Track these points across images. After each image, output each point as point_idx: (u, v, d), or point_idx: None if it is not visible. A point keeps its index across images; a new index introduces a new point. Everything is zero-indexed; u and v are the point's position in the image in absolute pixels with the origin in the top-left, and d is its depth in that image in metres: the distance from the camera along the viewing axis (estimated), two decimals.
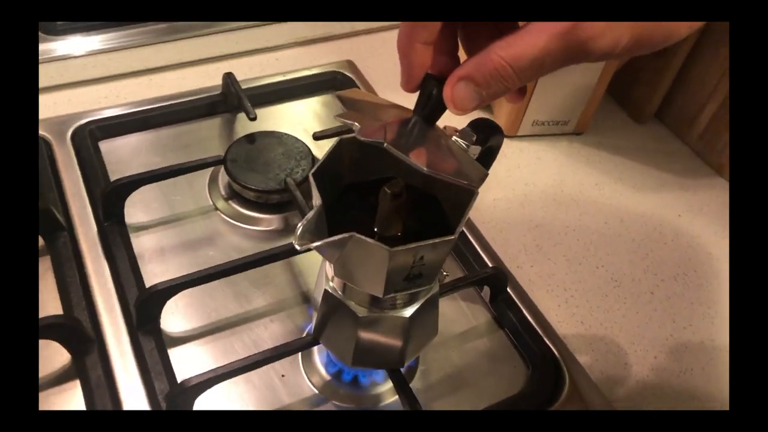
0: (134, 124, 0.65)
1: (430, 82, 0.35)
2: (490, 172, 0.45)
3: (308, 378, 0.50)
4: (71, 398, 0.46)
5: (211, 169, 0.62)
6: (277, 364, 0.49)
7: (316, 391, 0.49)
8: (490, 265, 0.56)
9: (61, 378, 0.47)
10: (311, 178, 0.38)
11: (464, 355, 0.53)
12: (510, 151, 0.71)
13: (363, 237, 0.35)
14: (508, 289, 0.56)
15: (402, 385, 0.46)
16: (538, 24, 0.30)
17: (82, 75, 0.69)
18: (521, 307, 0.55)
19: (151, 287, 0.48)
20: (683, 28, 0.30)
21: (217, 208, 0.60)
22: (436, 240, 0.36)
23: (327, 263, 0.43)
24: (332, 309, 0.44)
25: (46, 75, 0.68)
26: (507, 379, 0.52)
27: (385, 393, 0.50)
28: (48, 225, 0.54)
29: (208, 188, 0.61)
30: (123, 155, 0.63)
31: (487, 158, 0.46)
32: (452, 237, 0.36)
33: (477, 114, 0.38)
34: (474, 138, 0.41)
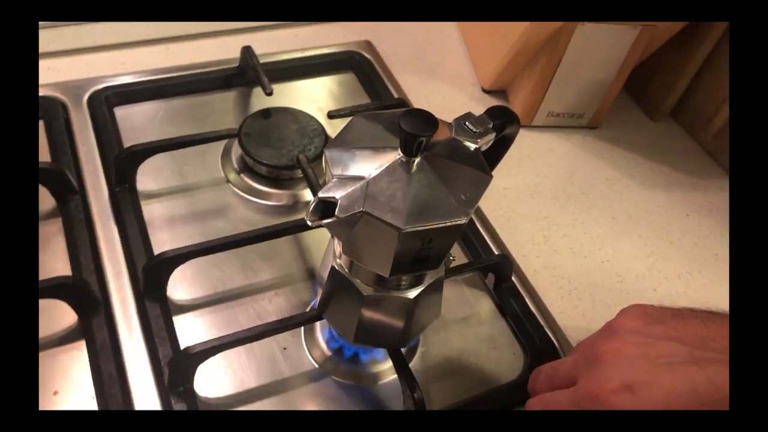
0: (150, 92, 0.65)
1: (407, 138, 0.36)
2: (502, 160, 0.46)
3: (309, 352, 0.50)
4: (77, 358, 0.47)
5: (225, 141, 0.62)
6: (280, 337, 0.50)
7: (317, 366, 0.49)
8: (497, 252, 0.56)
9: (67, 338, 0.48)
10: (325, 154, 0.38)
11: (465, 339, 0.53)
12: (523, 141, 0.71)
13: (374, 216, 0.35)
14: (513, 278, 0.56)
15: (402, 365, 0.46)
16: None
17: (101, 40, 0.69)
18: (524, 297, 0.55)
19: (160, 254, 0.49)
20: None
21: (228, 181, 0.60)
22: (447, 223, 0.36)
23: (336, 240, 0.43)
24: (338, 286, 0.44)
25: (63, 38, 0.68)
26: (505, 366, 0.52)
27: (385, 372, 0.50)
28: (61, 187, 0.54)
29: (221, 160, 0.62)
30: (138, 122, 0.63)
31: (502, 147, 0.46)
32: (462, 221, 0.37)
33: (496, 102, 0.38)
34: (490, 125, 0.41)
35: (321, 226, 0.36)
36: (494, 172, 0.39)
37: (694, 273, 0.62)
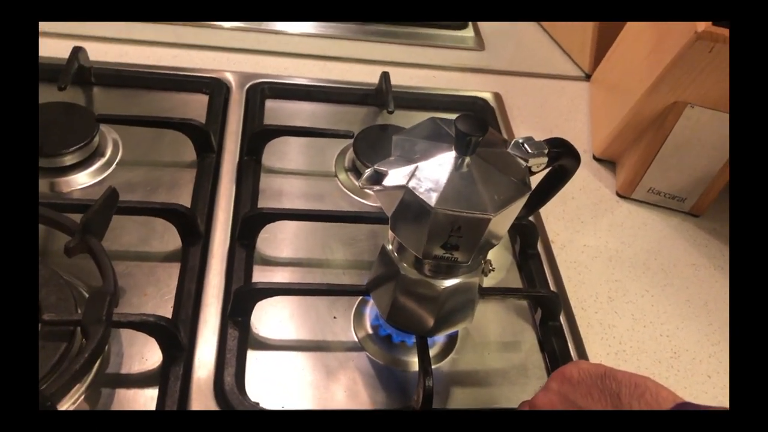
0: (298, 93, 0.77)
1: (460, 136, 0.42)
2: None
3: (354, 326, 0.56)
4: (170, 274, 0.57)
5: (343, 145, 0.71)
6: (334, 307, 0.57)
7: (355, 339, 0.55)
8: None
9: (168, 257, 0.58)
10: (393, 138, 0.45)
11: (498, 360, 0.56)
12: (619, 210, 0.73)
13: (413, 191, 0.42)
14: (561, 320, 0.58)
15: (423, 351, 0.51)
16: None
17: (276, 47, 0.83)
18: (567, 339, 0.57)
19: (259, 208, 0.59)
20: None
21: (336, 176, 0.69)
22: (474, 214, 0.41)
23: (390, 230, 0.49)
24: (384, 265, 0.50)
25: (247, 40, 0.82)
26: (528, 394, 0.54)
27: (412, 363, 0.55)
28: (204, 145, 0.66)
29: (336, 159, 0.71)
30: (281, 115, 0.74)
31: (559, 179, 0.50)
32: (487, 217, 0.42)
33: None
34: (545, 150, 0.46)
35: (371, 191, 0.43)
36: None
37: None
